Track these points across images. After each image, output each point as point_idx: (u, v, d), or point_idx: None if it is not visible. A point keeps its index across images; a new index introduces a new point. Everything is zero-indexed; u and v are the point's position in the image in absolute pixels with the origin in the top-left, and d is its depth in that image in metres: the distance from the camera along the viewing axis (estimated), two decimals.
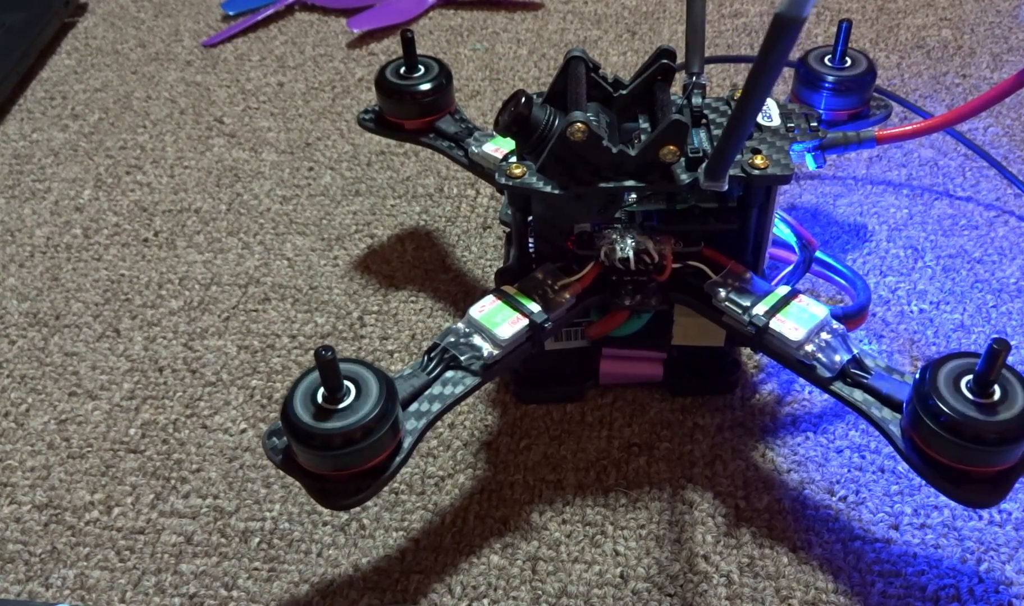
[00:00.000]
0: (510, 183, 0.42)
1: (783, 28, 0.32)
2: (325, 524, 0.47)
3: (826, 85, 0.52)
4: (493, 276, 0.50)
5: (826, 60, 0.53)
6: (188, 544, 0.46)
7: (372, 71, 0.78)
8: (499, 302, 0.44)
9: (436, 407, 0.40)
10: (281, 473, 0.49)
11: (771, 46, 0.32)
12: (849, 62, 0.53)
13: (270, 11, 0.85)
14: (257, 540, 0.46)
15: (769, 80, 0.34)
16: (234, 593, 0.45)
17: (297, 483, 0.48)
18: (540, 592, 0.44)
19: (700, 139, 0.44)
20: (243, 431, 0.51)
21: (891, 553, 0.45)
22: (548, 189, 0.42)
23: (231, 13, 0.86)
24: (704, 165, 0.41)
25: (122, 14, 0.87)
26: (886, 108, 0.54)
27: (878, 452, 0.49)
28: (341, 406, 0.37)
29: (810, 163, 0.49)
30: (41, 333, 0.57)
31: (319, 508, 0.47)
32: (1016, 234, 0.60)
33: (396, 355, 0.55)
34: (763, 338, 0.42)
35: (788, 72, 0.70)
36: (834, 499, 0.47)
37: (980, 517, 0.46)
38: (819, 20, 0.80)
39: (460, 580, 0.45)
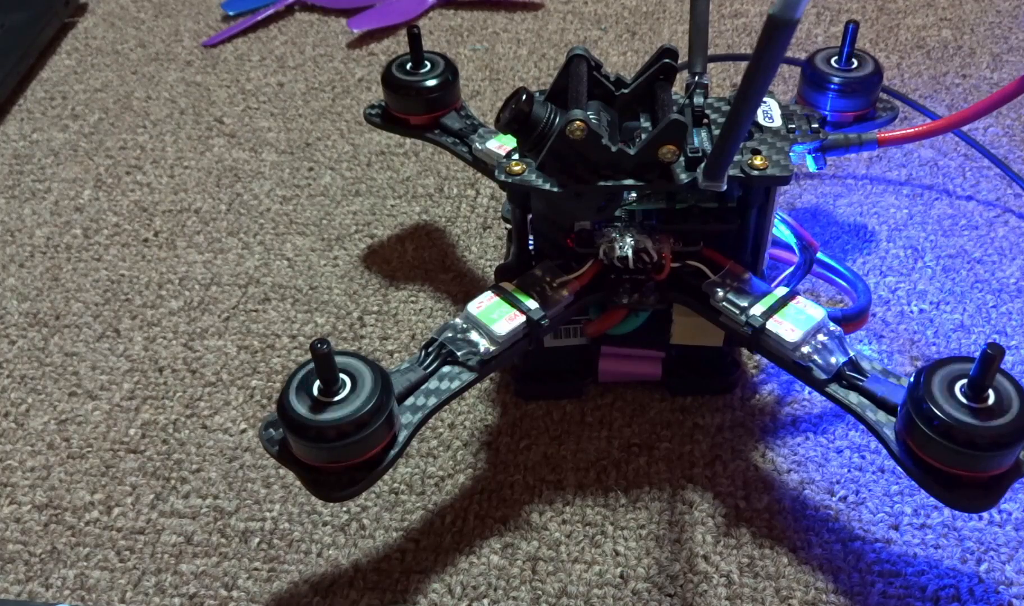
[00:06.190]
0: (509, 180, 0.42)
1: (776, 29, 0.32)
2: (325, 524, 0.47)
3: (832, 87, 0.52)
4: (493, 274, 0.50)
5: (832, 61, 0.53)
6: (188, 544, 0.46)
7: (372, 71, 0.78)
8: (497, 298, 0.44)
9: (432, 402, 0.40)
10: (281, 473, 0.49)
11: (765, 47, 0.32)
12: (855, 63, 0.52)
13: (270, 11, 0.85)
14: (257, 540, 0.46)
15: (764, 81, 0.34)
16: (234, 593, 0.45)
17: (297, 483, 0.48)
18: (540, 592, 0.44)
19: (700, 139, 0.44)
20: (243, 431, 0.51)
21: (891, 553, 0.45)
22: (547, 187, 0.42)
23: (231, 13, 0.86)
24: (702, 165, 0.41)
25: (122, 14, 0.87)
26: (892, 110, 0.54)
27: (878, 452, 0.49)
28: (336, 399, 0.37)
29: (811, 164, 0.49)
30: (41, 333, 0.57)
31: (319, 508, 0.47)
32: (1016, 234, 0.60)
33: (396, 355, 0.55)
34: (760, 339, 0.42)
35: (795, 73, 0.70)
36: (834, 499, 0.47)
37: (980, 517, 0.46)
38: (819, 20, 0.80)
39: (460, 580, 0.45)
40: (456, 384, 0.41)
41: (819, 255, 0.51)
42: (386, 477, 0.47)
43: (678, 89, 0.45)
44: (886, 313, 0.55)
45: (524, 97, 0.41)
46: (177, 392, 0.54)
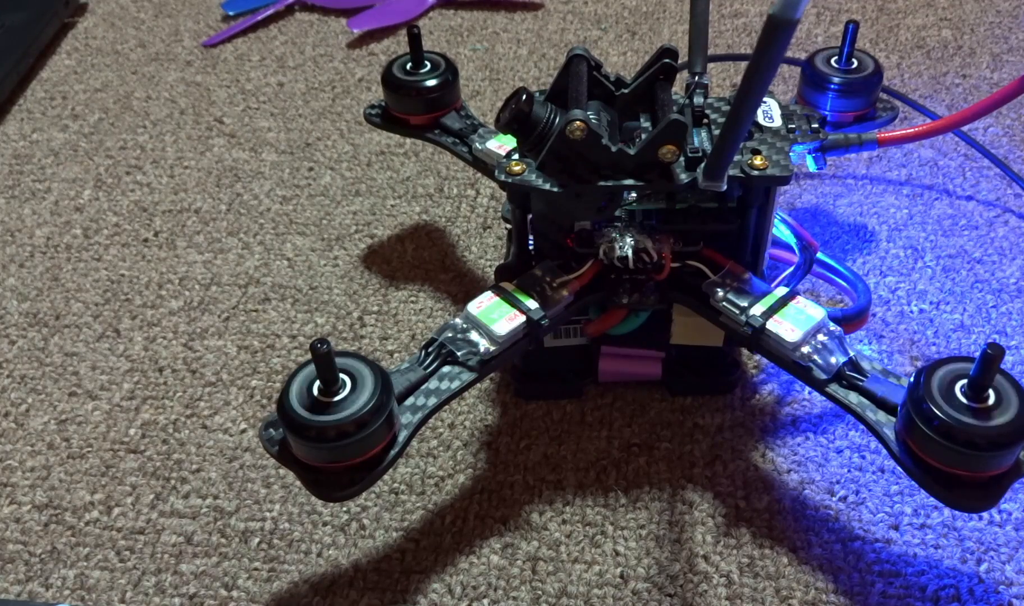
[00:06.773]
0: (509, 180, 0.42)
1: (777, 29, 0.32)
2: (325, 524, 0.47)
3: (832, 87, 0.52)
4: (493, 274, 0.50)
5: (832, 61, 0.53)
6: (188, 544, 0.46)
7: (372, 71, 0.78)
8: (497, 298, 0.44)
9: (432, 402, 0.40)
10: (281, 473, 0.49)
11: (765, 47, 0.32)
12: (855, 64, 0.52)
13: (270, 11, 0.85)
14: (257, 540, 0.46)
15: (764, 80, 0.34)
16: (234, 593, 0.45)
17: (297, 483, 0.48)
18: (540, 592, 0.44)
19: (700, 139, 0.44)
20: (243, 431, 0.51)
21: (891, 553, 0.45)
22: (547, 187, 0.42)
23: (231, 13, 0.86)
24: (702, 165, 0.41)
25: (122, 14, 0.87)
26: (892, 110, 0.54)
27: (878, 452, 0.49)
28: (336, 399, 0.37)
29: (811, 165, 0.49)
30: (41, 333, 0.57)
31: (319, 508, 0.47)
32: (1016, 234, 0.60)
33: (396, 355, 0.55)
34: (760, 339, 0.42)
35: (795, 73, 0.70)
36: (834, 499, 0.47)
37: (980, 517, 0.46)
38: (819, 20, 0.80)
39: (460, 580, 0.45)
40: (456, 384, 0.41)
41: (819, 255, 0.51)
42: (386, 477, 0.47)
43: (678, 89, 0.45)
44: (886, 313, 0.55)
45: (524, 97, 0.41)
46: (177, 392, 0.54)
